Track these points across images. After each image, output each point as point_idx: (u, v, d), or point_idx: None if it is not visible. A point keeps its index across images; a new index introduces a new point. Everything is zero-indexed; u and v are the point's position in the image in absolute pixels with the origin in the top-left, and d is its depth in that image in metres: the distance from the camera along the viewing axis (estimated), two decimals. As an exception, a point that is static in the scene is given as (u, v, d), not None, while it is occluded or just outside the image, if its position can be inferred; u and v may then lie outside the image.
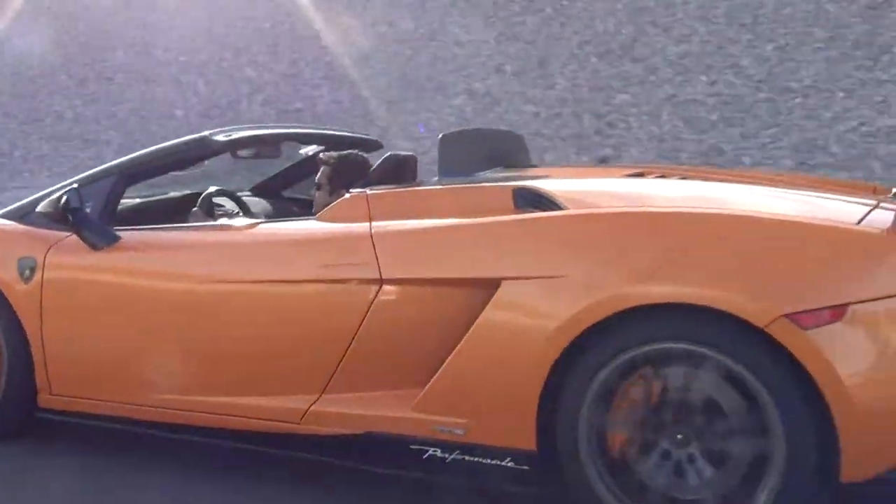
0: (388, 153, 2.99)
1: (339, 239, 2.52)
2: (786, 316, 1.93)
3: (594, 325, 2.12)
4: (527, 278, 2.23)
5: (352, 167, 3.02)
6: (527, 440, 2.24)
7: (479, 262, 2.32)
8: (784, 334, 1.93)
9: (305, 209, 3.44)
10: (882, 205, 2.32)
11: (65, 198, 2.80)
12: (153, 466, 2.79)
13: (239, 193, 3.89)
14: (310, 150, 3.70)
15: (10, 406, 2.96)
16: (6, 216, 3.14)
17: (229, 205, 3.36)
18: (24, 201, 3.14)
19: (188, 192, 3.40)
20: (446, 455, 2.36)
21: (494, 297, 2.26)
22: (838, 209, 2.29)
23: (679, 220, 2.18)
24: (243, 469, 2.73)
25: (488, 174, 2.82)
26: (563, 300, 2.16)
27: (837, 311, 1.93)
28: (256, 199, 3.86)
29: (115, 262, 2.82)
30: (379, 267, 2.41)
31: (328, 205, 2.95)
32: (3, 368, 2.95)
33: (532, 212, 2.39)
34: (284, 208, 3.65)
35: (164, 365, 2.73)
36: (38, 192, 3.13)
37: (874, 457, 1.95)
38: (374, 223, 2.50)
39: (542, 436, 2.23)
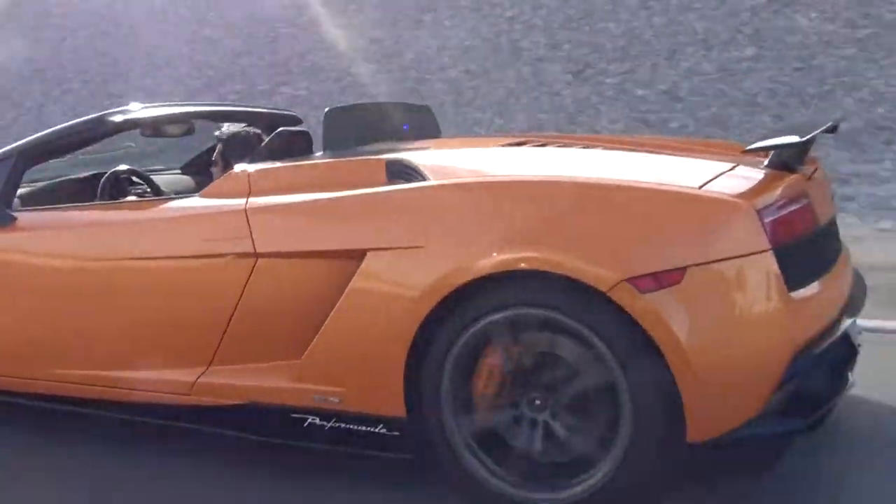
0: (280, 129, 2.96)
1: (217, 215, 2.51)
2: (626, 280, 1.92)
3: (450, 295, 2.11)
4: (388, 249, 2.22)
5: (245, 143, 3.00)
6: (396, 407, 2.25)
7: (346, 234, 2.31)
8: (625, 298, 1.92)
9: None
10: (738, 167, 2.29)
11: None
12: (51, 438, 2.81)
13: (169, 171, 3.88)
14: (227, 127, 3.67)
15: None
16: None
17: (140, 184, 3.34)
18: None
19: (95, 171, 3.38)
20: (325, 423, 2.38)
21: (360, 268, 2.25)
22: (689, 173, 2.26)
23: (527, 188, 2.17)
24: (142, 441, 2.75)
25: (368, 148, 2.80)
26: (421, 270, 2.16)
27: (675, 275, 1.92)
28: (180, 177, 3.84)
29: (12, 242, 2.82)
30: (253, 241, 2.40)
31: None
32: None
33: (400, 183, 2.38)
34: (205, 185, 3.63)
35: (60, 341, 2.74)
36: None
37: (715, 418, 1.95)
38: (250, 199, 2.48)
39: (410, 403, 2.23)
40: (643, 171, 2.39)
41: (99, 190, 3.15)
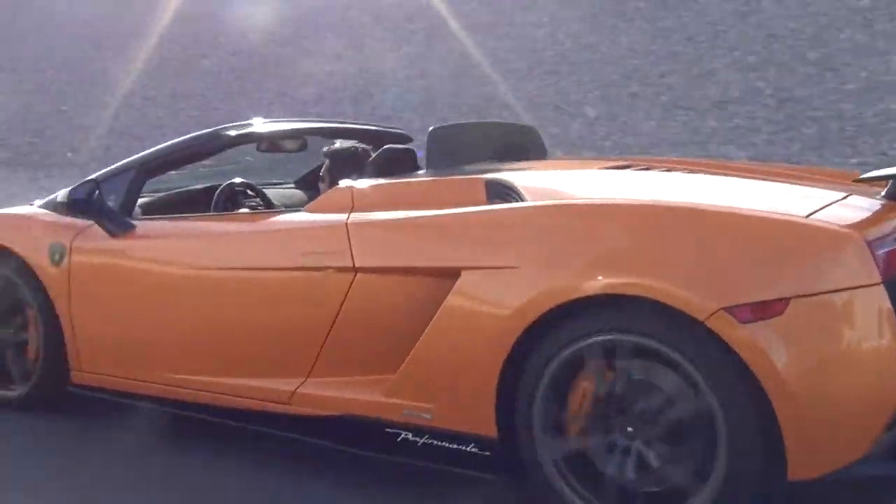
0: (386, 146, 3.02)
1: (319, 229, 2.58)
2: (724, 309, 1.86)
3: (543, 316, 2.10)
4: (483, 268, 2.23)
5: (351, 160, 3.07)
6: (487, 427, 2.25)
7: (442, 252, 2.33)
8: (723, 328, 1.86)
9: None
10: (851, 197, 2.19)
11: (83, 190, 2.97)
12: (162, 440, 2.94)
13: (283, 185, 4.01)
14: (339, 143, 3.76)
15: (45, 382, 3.17)
16: (44, 206, 3.35)
17: (253, 197, 3.46)
18: (58, 192, 3.35)
19: (212, 184, 3.54)
20: (417, 439, 2.40)
21: (455, 286, 2.26)
22: (797, 200, 2.17)
23: (624, 211, 2.14)
24: (238, 446, 2.84)
25: (472, 167, 2.82)
26: (515, 291, 2.15)
27: (778, 305, 1.84)
28: (293, 191, 3.96)
29: (129, 249, 2.98)
30: (352, 256, 2.46)
31: None
32: (40, 346, 3.16)
33: (499, 203, 2.38)
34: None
35: (171, 346, 2.87)
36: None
37: (819, 456, 1.86)
38: (352, 214, 2.54)
39: (501, 423, 2.23)
40: (748, 197, 2.32)
41: (214, 201, 3.29)
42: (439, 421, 2.34)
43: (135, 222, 3.02)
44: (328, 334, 2.53)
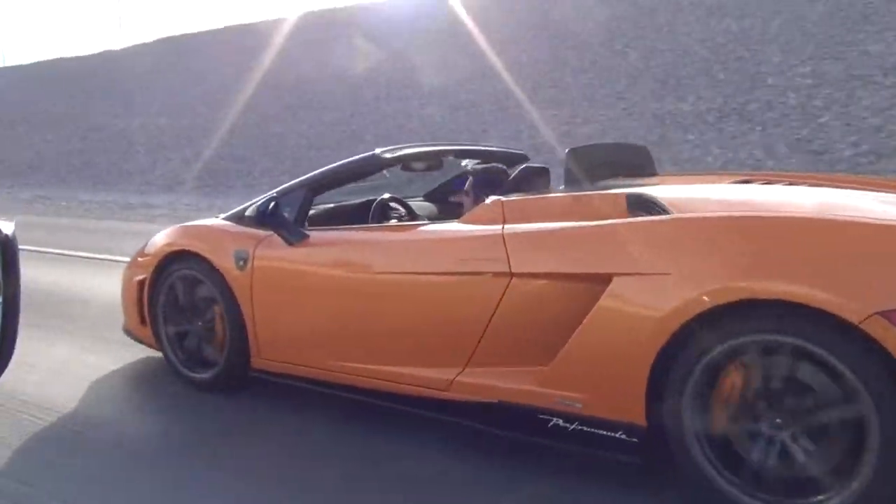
0: (524, 165, 3.28)
1: (477, 238, 2.86)
2: (878, 314, 2.01)
3: (697, 317, 2.29)
4: (636, 274, 2.44)
5: (493, 177, 3.36)
6: (637, 415, 2.45)
7: (594, 260, 2.55)
8: (877, 330, 2.01)
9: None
10: None
11: (266, 205, 3.36)
12: (338, 421, 3.29)
13: (411, 200, 4.36)
14: (468, 163, 4.09)
15: (232, 366, 3.59)
16: (227, 218, 3.77)
17: (400, 209, 3.80)
18: (240, 207, 3.76)
19: (368, 198, 3.89)
20: (568, 425, 2.63)
21: (607, 290, 2.48)
22: None
23: (777, 223, 2.29)
24: (396, 425, 3.15)
25: (607, 183, 3.02)
26: (668, 294, 2.35)
27: None
28: (426, 203, 4.30)
29: (305, 256, 3.35)
30: (509, 262, 2.72)
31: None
32: (227, 337, 3.58)
33: (640, 215, 2.59)
34: (447, 211, 4.05)
35: (343, 338, 3.21)
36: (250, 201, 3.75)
37: None
38: (506, 225, 2.80)
39: (651, 412, 2.43)
40: (879, 209, 2.43)
41: (371, 213, 3.63)
42: (589, 409, 2.57)
43: (308, 232, 3.38)
44: (485, 330, 2.80)
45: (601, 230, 2.57)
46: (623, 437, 2.51)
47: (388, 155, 3.47)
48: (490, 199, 3.01)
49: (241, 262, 3.50)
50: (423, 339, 3.00)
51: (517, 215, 2.85)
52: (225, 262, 3.56)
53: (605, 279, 2.50)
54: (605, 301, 2.49)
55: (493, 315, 2.78)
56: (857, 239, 2.15)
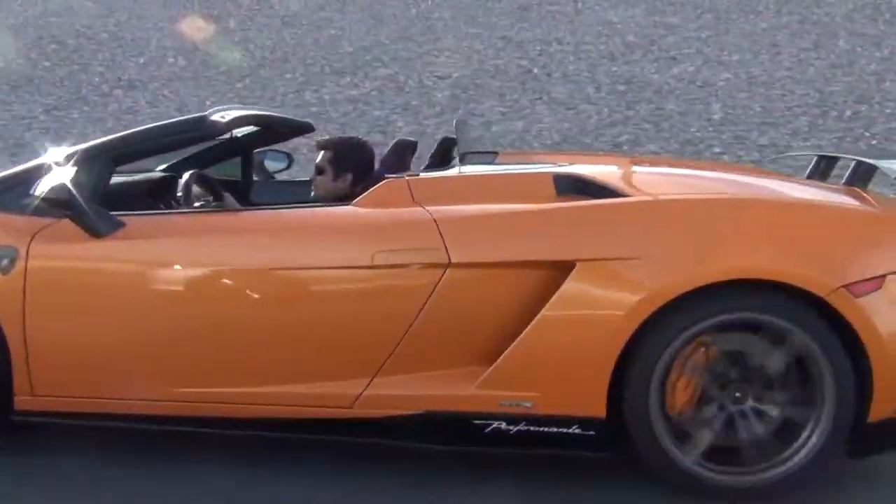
0: (397, 139, 2.87)
1: (396, 224, 2.40)
2: (843, 287, 2.17)
3: (670, 301, 2.23)
4: (602, 259, 2.29)
5: (354, 151, 2.87)
6: (596, 408, 2.31)
7: (553, 245, 2.33)
8: (842, 303, 2.17)
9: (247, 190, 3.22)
10: (863, 195, 2.63)
11: (62, 182, 2.36)
12: (175, 463, 2.49)
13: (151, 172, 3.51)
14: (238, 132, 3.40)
15: None
16: None
17: (207, 193, 3.00)
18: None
19: (161, 174, 3.01)
20: (511, 427, 2.37)
21: (570, 277, 2.28)
22: (839, 197, 2.56)
23: (742, 205, 2.36)
24: (283, 458, 2.53)
25: (506, 160, 2.81)
26: (641, 279, 2.25)
27: (878, 281, 2.20)
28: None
29: (124, 250, 2.45)
30: (447, 250, 2.33)
31: (334, 190, 2.80)
32: None
33: (576, 198, 2.44)
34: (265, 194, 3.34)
35: (191, 356, 2.44)
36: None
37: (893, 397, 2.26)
38: (432, 208, 2.40)
39: (610, 402, 2.31)
40: (803, 193, 2.61)
41: (182, 193, 2.81)
42: (542, 408, 2.34)
43: (123, 219, 2.48)
44: (406, 332, 2.37)
45: (560, 212, 2.36)
46: (577, 431, 2.34)
47: (221, 118, 2.70)
48: (388, 178, 2.55)
49: (6, 263, 2.44)
50: (314, 348, 2.42)
51: (429, 196, 2.46)
52: None
53: (566, 266, 2.30)
54: (567, 289, 2.28)
55: (419, 313, 2.36)
56: (811, 219, 2.32)
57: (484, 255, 2.35)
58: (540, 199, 2.45)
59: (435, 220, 2.36)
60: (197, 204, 2.86)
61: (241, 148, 3.30)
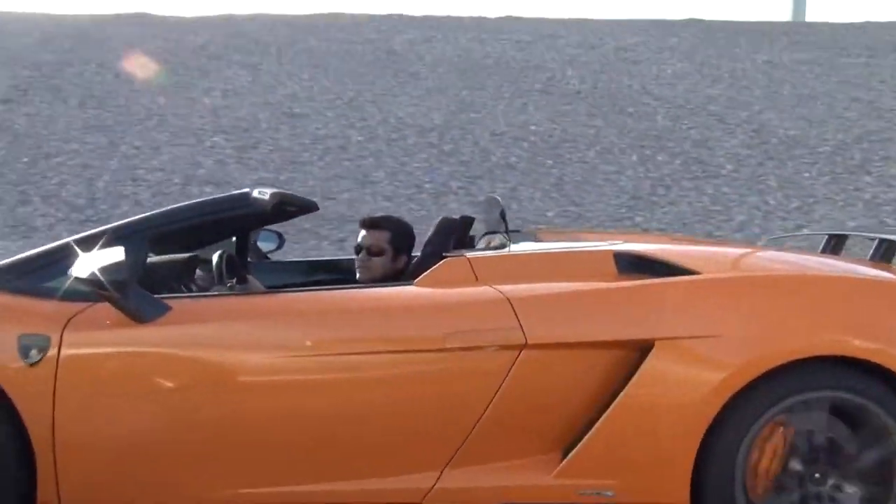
0: (442, 216, 2.79)
1: (467, 304, 2.29)
2: None
3: (754, 380, 2.18)
4: (682, 338, 2.23)
5: (409, 231, 2.78)
6: (679, 495, 2.21)
7: (630, 324, 2.26)
8: None
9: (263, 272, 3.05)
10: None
11: (118, 261, 2.13)
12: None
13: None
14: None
15: None
16: None
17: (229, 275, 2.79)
18: (4, 263, 2.37)
19: (185, 254, 2.80)
20: (590, 518, 2.24)
21: (649, 357, 2.21)
22: (886, 272, 2.57)
23: (814, 281, 2.36)
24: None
25: (547, 238, 2.78)
26: (723, 357, 2.20)
27: None
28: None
29: (172, 337, 2.24)
30: (523, 330, 2.24)
31: (390, 271, 2.69)
32: None
33: (637, 276, 2.40)
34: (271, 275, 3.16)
35: (247, 453, 2.22)
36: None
37: None
38: (501, 287, 2.31)
39: (693, 489, 2.22)
40: (848, 269, 2.61)
41: (216, 273, 2.62)
42: (623, 496, 2.23)
43: (170, 303, 2.27)
44: (480, 418, 2.23)
45: (637, 290, 2.30)
46: (660, 520, 2.24)
47: (262, 195, 2.55)
48: (449, 257, 2.45)
49: (35, 354, 2.18)
50: (380, 439, 2.25)
51: (491, 275, 2.38)
52: None
53: (644, 345, 2.23)
54: (648, 369, 2.21)
55: (493, 397, 2.23)
56: (880, 295, 2.33)
57: (561, 335, 2.26)
58: (601, 277, 2.40)
59: (508, 300, 2.27)
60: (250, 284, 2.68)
61: (238, 228, 3.12)
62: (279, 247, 3.49)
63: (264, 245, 3.40)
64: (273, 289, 2.82)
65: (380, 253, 2.68)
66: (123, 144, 8.13)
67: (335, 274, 3.26)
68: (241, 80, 9.98)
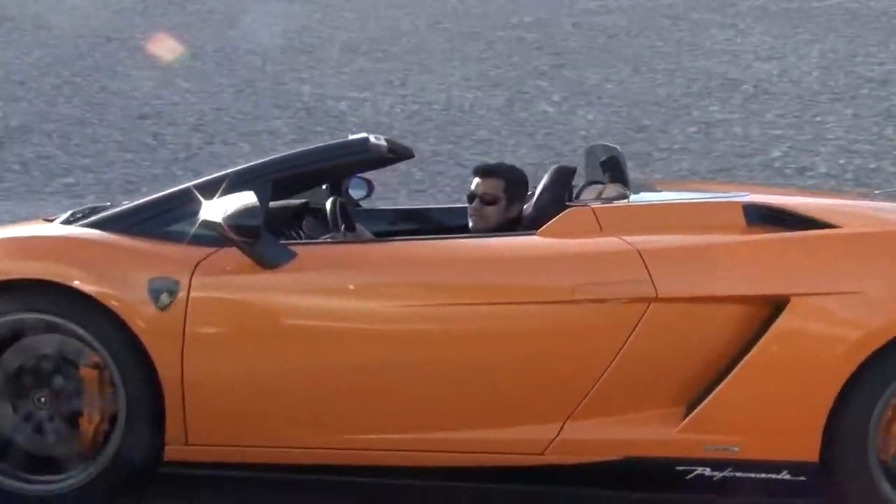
0: (555, 165, 2.71)
1: (596, 255, 2.24)
2: None
3: (892, 339, 2.11)
4: (820, 294, 2.16)
5: (524, 179, 2.71)
6: (810, 452, 2.17)
7: (765, 279, 2.19)
8: None
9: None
10: None
11: (252, 205, 2.12)
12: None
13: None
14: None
15: (119, 467, 2.23)
16: (103, 226, 2.34)
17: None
18: (128, 206, 2.38)
19: (298, 200, 2.78)
20: (715, 473, 2.21)
21: (784, 313, 2.15)
22: None
23: None
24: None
25: (667, 188, 2.70)
26: (861, 315, 2.13)
27: None
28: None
29: (300, 282, 2.23)
30: (654, 283, 2.18)
31: (505, 220, 2.63)
32: (118, 416, 2.21)
33: (767, 229, 2.32)
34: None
35: (370, 399, 2.23)
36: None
37: None
38: (629, 238, 2.25)
39: (825, 446, 2.17)
40: None
41: (330, 220, 2.60)
42: (750, 452, 2.19)
43: (295, 248, 2.26)
44: (605, 371, 2.20)
45: (774, 244, 2.23)
46: (787, 477, 2.20)
47: (378, 140, 2.50)
48: (571, 206, 2.39)
49: (166, 298, 2.20)
50: (503, 389, 2.24)
51: (617, 226, 2.31)
52: (126, 296, 2.19)
53: (780, 301, 2.16)
54: (781, 326, 2.15)
55: (619, 350, 2.19)
56: None
57: (692, 288, 2.20)
58: (730, 230, 2.33)
59: (639, 252, 2.21)
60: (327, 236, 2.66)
61: (330, 175, 3.07)
62: (368, 194, 3.46)
63: (355, 192, 3.37)
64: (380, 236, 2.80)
65: (494, 201, 2.62)
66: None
67: (428, 223, 3.22)
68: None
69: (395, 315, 2.23)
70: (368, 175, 3.38)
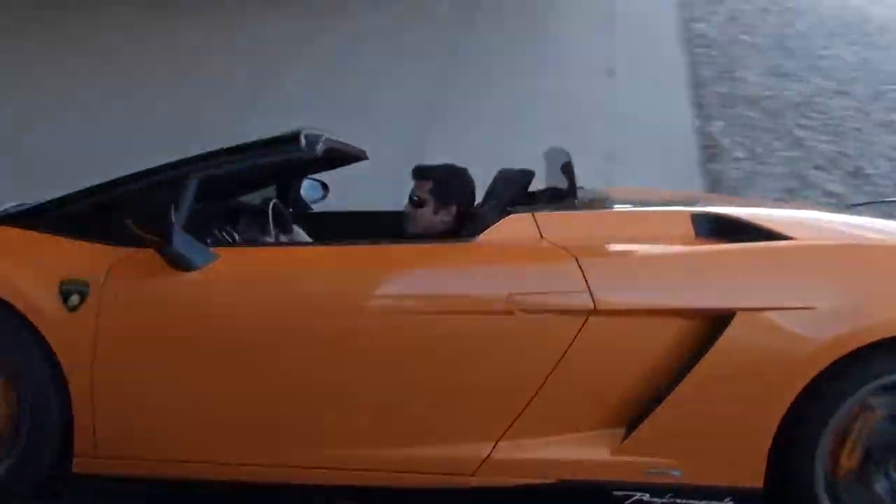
0: (501, 168, 2.59)
1: (532, 264, 2.12)
2: None
3: (846, 356, 1.98)
4: (767, 309, 2.03)
5: (456, 180, 2.57)
6: (753, 478, 2.03)
7: (710, 292, 2.07)
8: None
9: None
10: None
11: (158, 206, 1.99)
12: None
13: None
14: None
15: (20, 475, 2.09)
16: (14, 222, 2.22)
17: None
18: (41, 203, 2.26)
19: (237, 202, 2.66)
20: (655, 500, 2.07)
21: (729, 328, 2.01)
22: None
23: None
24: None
25: (618, 196, 2.58)
26: (813, 331, 2.00)
27: None
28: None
29: (219, 287, 2.11)
30: (592, 295, 2.05)
31: (436, 224, 2.50)
32: (21, 429, 2.07)
33: (716, 240, 2.20)
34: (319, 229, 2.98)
35: (291, 413, 2.09)
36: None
37: None
38: (569, 247, 2.12)
39: (769, 470, 2.04)
40: None
41: (272, 222, 2.47)
42: (692, 477, 2.05)
43: (218, 251, 2.13)
44: (540, 387, 2.07)
45: (718, 255, 2.10)
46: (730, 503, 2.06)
47: (312, 139, 2.35)
48: (511, 212, 2.27)
49: (76, 300, 2.07)
50: (433, 404, 2.10)
51: (559, 234, 2.19)
52: (35, 297, 2.06)
53: (725, 315, 2.03)
54: (725, 342, 2.02)
55: (555, 365, 2.06)
56: None
57: (632, 301, 2.07)
58: (678, 241, 2.20)
59: (577, 261, 2.08)
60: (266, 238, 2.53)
61: (271, 174, 2.92)
62: (323, 197, 3.33)
63: (308, 194, 3.24)
64: (318, 240, 2.67)
65: (421, 204, 2.48)
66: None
67: (381, 227, 3.09)
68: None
69: (317, 323, 2.10)
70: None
